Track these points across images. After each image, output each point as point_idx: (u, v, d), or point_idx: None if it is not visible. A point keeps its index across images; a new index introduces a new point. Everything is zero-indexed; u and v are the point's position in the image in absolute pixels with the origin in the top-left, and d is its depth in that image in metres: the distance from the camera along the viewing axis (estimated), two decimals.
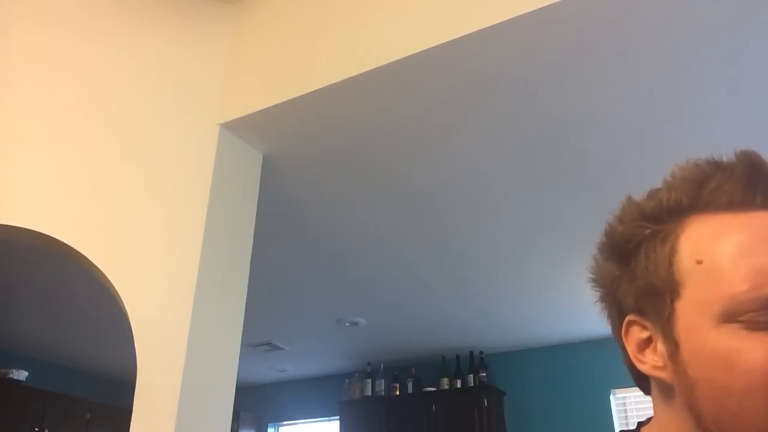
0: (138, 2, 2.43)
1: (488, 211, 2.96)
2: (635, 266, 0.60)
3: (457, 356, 5.13)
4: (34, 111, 2.22)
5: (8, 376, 4.69)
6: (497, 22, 1.82)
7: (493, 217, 3.01)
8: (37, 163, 2.15)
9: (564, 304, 4.17)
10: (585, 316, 4.39)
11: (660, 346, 0.57)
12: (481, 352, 5.10)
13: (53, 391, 4.99)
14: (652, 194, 0.61)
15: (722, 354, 0.52)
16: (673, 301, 0.56)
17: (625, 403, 4.68)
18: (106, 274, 2.04)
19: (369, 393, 5.34)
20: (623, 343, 0.61)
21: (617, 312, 0.62)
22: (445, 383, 5.09)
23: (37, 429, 4.73)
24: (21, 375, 4.77)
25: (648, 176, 2.77)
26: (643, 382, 0.62)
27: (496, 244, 3.29)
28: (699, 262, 0.55)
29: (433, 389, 5.10)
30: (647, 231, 0.59)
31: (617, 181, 2.68)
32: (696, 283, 0.55)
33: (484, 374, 4.96)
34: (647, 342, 0.59)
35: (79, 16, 2.38)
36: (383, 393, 5.29)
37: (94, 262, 2.05)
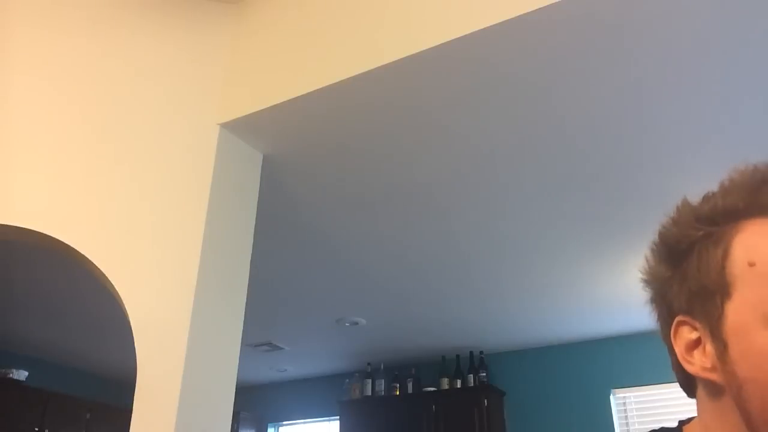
0: (138, 3, 2.43)
1: (489, 211, 2.96)
2: (687, 267, 0.60)
3: (457, 356, 5.13)
4: (34, 111, 2.22)
5: (8, 376, 4.69)
6: (497, 21, 1.82)
7: (493, 217, 3.01)
8: (37, 163, 2.15)
9: (564, 304, 4.17)
10: (585, 316, 4.39)
11: (709, 347, 0.58)
12: (481, 352, 5.10)
13: (53, 391, 4.99)
14: (708, 197, 0.61)
15: None
16: (723, 302, 0.57)
17: (625, 403, 4.67)
18: (106, 274, 2.04)
19: (369, 393, 5.34)
20: (671, 344, 0.61)
21: (667, 313, 0.62)
22: (445, 383, 5.09)
23: (37, 429, 4.73)
24: (21, 375, 4.77)
25: (650, 176, 2.77)
26: (688, 384, 0.62)
27: (497, 243, 3.29)
28: (751, 264, 0.56)
29: (433, 389, 5.10)
30: (701, 233, 0.60)
31: (619, 181, 2.68)
32: (747, 285, 0.55)
33: (484, 374, 4.96)
34: (696, 343, 0.59)
35: (78, 17, 2.38)
36: (383, 393, 5.28)
37: (94, 262, 2.05)
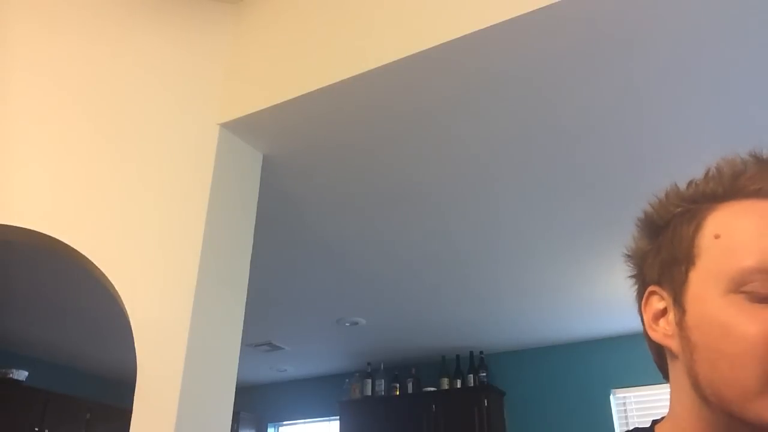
0: (138, 3, 2.43)
1: (488, 211, 2.96)
2: (662, 240, 0.64)
3: (457, 356, 5.13)
4: (34, 111, 2.22)
5: (8, 376, 4.69)
6: (497, 22, 1.82)
7: (493, 216, 3.02)
8: (37, 163, 2.15)
9: (564, 304, 4.17)
10: (585, 316, 4.39)
11: (671, 315, 0.61)
12: (481, 352, 5.11)
13: (53, 391, 4.99)
14: (692, 182, 0.65)
15: (722, 320, 0.56)
16: (687, 271, 0.60)
17: (625, 403, 4.67)
18: (106, 274, 2.04)
19: (369, 393, 5.34)
20: (642, 315, 0.64)
21: (642, 285, 0.66)
22: (445, 383, 5.09)
23: (37, 429, 4.73)
24: (21, 375, 4.77)
25: (649, 176, 2.77)
26: (662, 363, 0.65)
27: (497, 243, 3.29)
28: (717, 237, 0.59)
29: (433, 389, 5.10)
30: (679, 209, 0.63)
31: (618, 181, 2.68)
32: (711, 256, 0.59)
33: (484, 374, 4.96)
34: (663, 312, 0.62)
35: (78, 16, 2.38)
36: (383, 393, 5.29)
37: (94, 262, 2.05)
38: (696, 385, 0.57)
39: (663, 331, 0.61)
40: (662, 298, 0.62)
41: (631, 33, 1.86)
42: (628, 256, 0.68)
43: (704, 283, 0.58)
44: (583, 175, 2.64)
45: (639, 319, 0.66)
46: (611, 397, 4.69)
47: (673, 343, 0.60)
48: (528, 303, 4.17)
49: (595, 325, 4.58)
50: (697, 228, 0.61)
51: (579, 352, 4.90)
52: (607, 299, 4.06)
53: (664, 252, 0.63)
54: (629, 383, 4.61)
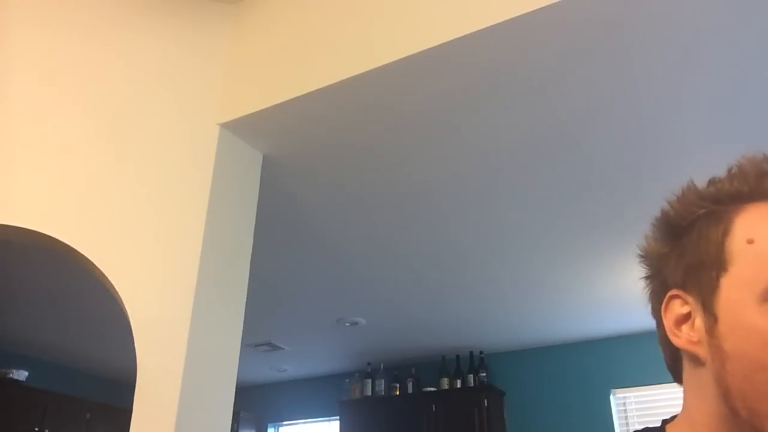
0: (138, 3, 2.43)
1: (489, 211, 2.96)
2: (687, 242, 0.61)
3: (457, 356, 5.13)
4: (34, 111, 2.22)
5: (8, 376, 4.69)
6: (497, 22, 1.82)
7: (493, 216, 3.01)
8: (37, 163, 2.15)
9: (564, 304, 4.17)
10: (585, 316, 4.39)
11: (698, 321, 0.58)
12: (481, 352, 5.11)
13: (53, 391, 4.99)
14: (714, 181, 0.62)
15: (760, 329, 0.53)
16: (719, 276, 0.57)
17: (625, 403, 4.67)
18: (106, 274, 2.04)
19: (369, 393, 5.34)
20: (661, 318, 0.62)
21: (660, 288, 0.63)
22: (445, 383, 5.09)
23: (37, 429, 4.73)
24: (21, 375, 4.77)
25: (650, 176, 2.77)
26: (675, 367, 0.63)
27: (497, 243, 3.29)
28: (750, 242, 0.57)
29: (433, 389, 5.10)
30: (703, 210, 0.61)
31: (619, 181, 2.68)
32: (744, 262, 0.56)
33: (484, 374, 4.96)
34: (686, 317, 0.60)
35: (78, 16, 2.38)
36: (383, 393, 5.29)
37: (94, 262, 2.05)
38: (726, 396, 0.55)
39: (687, 337, 0.59)
40: (686, 303, 0.60)
41: (632, 32, 1.86)
42: (643, 256, 0.66)
43: (738, 290, 0.56)
44: (584, 174, 2.64)
45: (653, 320, 0.64)
46: (611, 397, 4.69)
47: (700, 350, 0.58)
48: (528, 303, 4.17)
49: (595, 325, 4.58)
50: (726, 231, 0.58)
51: (579, 352, 4.90)
52: (607, 299, 4.06)
53: (689, 255, 0.60)
54: (629, 383, 4.61)
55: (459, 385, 5.02)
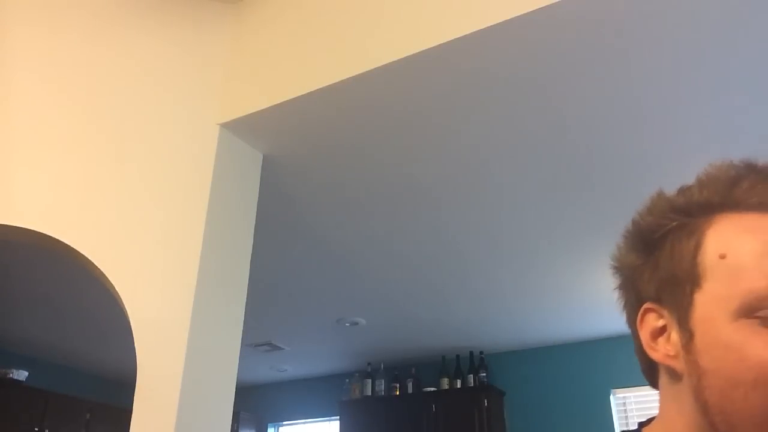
0: (138, 3, 2.43)
1: (489, 211, 2.96)
2: (659, 256, 0.61)
3: (457, 356, 5.13)
4: (34, 111, 2.22)
5: (8, 376, 4.69)
6: (497, 22, 1.82)
7: (493, 217, 3.01)
8: (37, 163, 2.15)
9: (564, 304, 4.17)
10: (585, 316, 4.39)
11: (674, 335, 0.58)
12: (481, 352, 5.10)
13: (53, 391, 4.99)
14: (684, 190, 0.62)
15: (735, 346, 0.53)
16: (692, 292, 0.57)
17: (625, 403, 4.68)
18: (106, 274, 2.04)
19: (369, 393, 5.34)
20: (637, 331, 0.62)
21: (635, 300, 0.63)
22: (445, 383, 5.09)
23: (37, 429, 4.73)
24: (21, 375, 4.77)
25: (649, 177, 2.77)
26: (651, 374, 0.64)
27: (497, 244, 3.29)
28: (722, 257, 0.56)
29: (433, 389, 5.10)
30: (675, 223, 0.60)
31: (618, 182, 2.68)
32: (717, 277, 0.56)
33: (484, 374, 4.96)
34: (661, 330, 0.60)
35: (78, 16, 2.38)
36: (383, 393, 5.29)
37: (94, 262, 2.05)
38: (704, 410, 0.55)
39: (664, 351, 0.59)
40: (661, 316, 0.60)
41: (631, 33, 1.86)
42: (616, 267, 0.66)
43: (712, 306, 0.55)
44: (584, 174, 2.64)
45: (629, 329, 0.64)
46: (611, 397, 4.68)
47: (676, 365, 0.58)
48: (528, 303, 4.17)
49: (595, 325, 4.58)
50: (698, 245, 0.58)
51: (579, 352, 4.90)
52: (608, 299, 4.06)
53: (662, 270, 0.60)
54: (629, 383, 4.61)
55: (459, 385, 5.02)
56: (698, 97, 2.15)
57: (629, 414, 4.63)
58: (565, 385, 4.88)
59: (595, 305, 4.19)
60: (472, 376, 4.98)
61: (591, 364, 4.82)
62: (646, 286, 0.61)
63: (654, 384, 0.64)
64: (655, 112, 2.23)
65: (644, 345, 0.60)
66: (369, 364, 5.44)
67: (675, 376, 0.59)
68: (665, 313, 0.59)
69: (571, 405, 4.78)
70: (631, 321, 0.63)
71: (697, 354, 0.55)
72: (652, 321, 0.60)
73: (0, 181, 2.11)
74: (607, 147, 2.44)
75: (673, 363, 0.58)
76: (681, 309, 0.58)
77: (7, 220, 2.06)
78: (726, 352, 0.54)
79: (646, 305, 0.61)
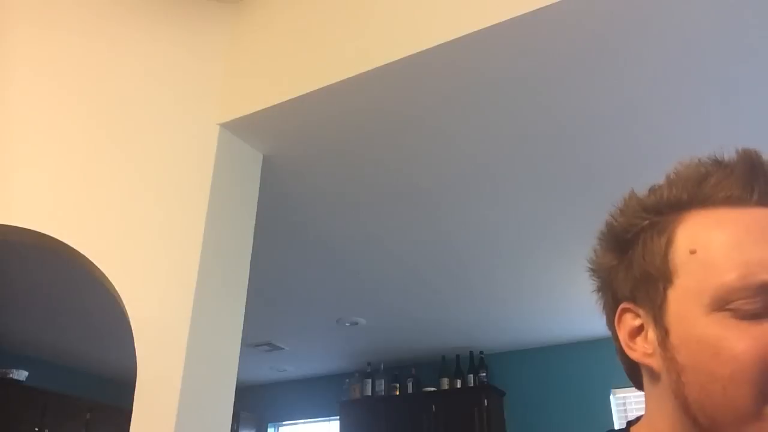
0: (138, 3, 2.43)
1: (488, 211, 2.96)
2: (632, 255, 0.61)
3: (457, 356, 5.13)
4: (34, 111, 2.22)
5: (8, 376, 4.69)
6: (497, 22, 1.82)
7: (493, 217, 3.02)
8: (37, 163, 2.15)
9: (564, 304, 4.17)
10: (584, 316, 4.39)
11: (651, 333, 0.59)
12: (481, 352, 5.10)
13: (53, 391, 4.99)
14: (654, 189, 0.62)
15: (710, 341, 0.53)
16: (665, 289, 0.58)
17: (625, 403, 4.68)
18: (106, 274, 2.04)
19: (369, 393, 5.34)
20: (616, 332, 0.62)
21: (612, 301, 0.64)
22: (445, 383, 5.09)
23: (37, 429, 4.73)
24: (21, 375, 4.77)
25: (648, 177, 2.74)
26: (635, 374, 0.64)
27: (496, 244, 3.29)
28: (692, 252, 0.57)
29: (433, 389, 5.10)
30: (646, 222, 0.61)
31: (619, 181, 2.68)
32: (688, 272, 0.56)
33: (484, 374, 4.96)
34: (639, 330, 0.60)
35: (78, 16, 2.38)
36: (383, 393, 5.28)
37: (94, 262, 2.05)
38: (685, 407, 0.55)
39: (642, 350, 0.59)
40: (637, 316, 0.60)
41: (630, 32, 1.86)
42: (593, 269, 0.66)
43: (685, 302, 0.56)
44: (583, 174, 2.64)
45: (609, 331, 0.64)
46: (611, 397, 4.69)
47: (654, 363, 0.58)
48: (528, 303, 4.17)
49: (595, 325, 4.58)
50: (669, 242, 0.58)
51: (579, 352, 4.90)
52: None
53: (636, 269, 0.60)
54: (629, 383, 4.54)
55: (459, 385, 5.02)
56: (697, 96, 2.15)
57: (629, 414, 4.63)
58: (565, 385, 4.88)
59: (594, 305, 4.16)
60: (472, 376, 4.98)
61: (591, 364, 4.82)
62: (622, 286, 0.62)
63: (637, 384, 0.64)
64: (653, 113, 2.23)
65: (623, 345, 0.61)
66: (369, 364, 5.44)
67: (654, 375, 0.59)
68: (641, 312, 0.60)
69: (571, 405, 4.78)
70: (610, 322, 0.64)
71: (674, 350, 0.56)
72: (629, 321, 0.61)
73: (0, 181, 2.11)
74: (606, 147, 2.44)
75: (651, 362, 0.59)
76: (655, 307, 0.58)
77: (7, 220, 2.06)
78: (701, 347, 0.54)
79: (623, 305, 0.61)
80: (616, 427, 4.55)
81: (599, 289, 0.66)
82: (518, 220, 3.05)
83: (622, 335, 0.61)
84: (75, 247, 2.05)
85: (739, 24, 1.83)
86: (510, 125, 2.31)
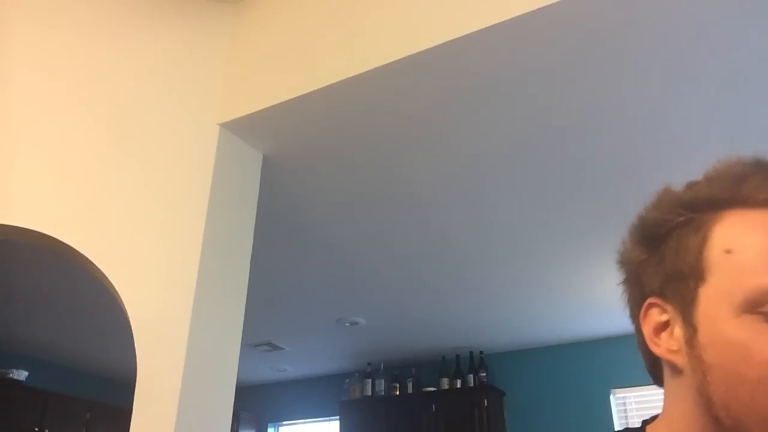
0: (138, 2, 2.43)
1: (487, 211, 2.96)
2: (665, 251, 0.61)
3: (457, 356, 5.13)
4: (34, 111, 2.22)
5: (8, 376, 4.69)
6: (497, 22, 1.82)
7: (492, 217, 3.02)
8: (37, 162, 2.15)
9: (564, 303, 4.17)
10: (584, 316, 4.39)
11: (678, 330, 0.58)
12: (481, 352, 5.10)
13: (53, 391, 4.99)
14: (691, 185, 0.62)
15: (740, 342, 0.53)
16: (697, 287, 0.57)
17: (625, 403, 4.68)
18: (106, 274, 2.04)
19: (369, 393, 5.34)
20: (640, 326, 0.62)
21: (639, 294, 0.63)
22: (445, 383, 5.09)
23: (37, 429, 4.73)
24: (21, 375, 4.77)
25: (649, 175, 2.77)
26: (655, 369, 0.63)
27: (496, 243, 3.29)
28: (728, 252, 0.56)
29: (433, 389, 5.10)
30: (681, 218, 0.60)
31: (615, 182, 2.68)
32: (722, 272, 0.56)
33: (484, 374, 4.96)
34: (665, 325, 0.60)
35: (79, 15, 2.38)
36: (383, 393, 5.28)
37: (94, 262, 2.05)
38: (709, 406, 0.55)
39: (667, 346, 0.59)
40: (664, 311, 0.60)
41: (629, 34, 1.86)
42: (621, 262, 0.65)
43: (716, 302, 0.55)
44: (581, 174, 2.64)
45: (632, 324, 0.64)
46: (611, 397, 4.69)
47: (678, 359, 0.58)
48: (528, 303, 4.17)
49: (595, 325, 4.58)
50: (704, 240, 0.58)
51: (579, 352, 4.90)
52: (607, 299, 4.06)
53: (667, 264, 0.60)
54: (629, 383, 4.61)
55: (459, 385, 5.02)
56: (696, 96, 2.15)
57: (629, 414, 4.63)
58: (565, 385, 4.88)
59: (594, 305, 4.19)
60: (472, 376, 4.98)
61: (591, 364, 4.82)
62: (651, 281, 0.61)
63: (657, 380, 0.64)
64: (651, 112, 2.23)
65: (647, 339, 0.60)
66: (369, 364, 5.44)
67: (677, 371, 0.59)
68: (669, 308, 0.59)
69: (571, 405, 4.78)
70: (634, 315, 0.63)
71: (701, 349, 0.55)
72: (655, 316, 0.60)
73: (0, 181, 2.11)
74: (604, 147, 2.44)
75: (675, 358, 0.58)
76: (685, 304, 0.58)
77: (7, 220, 2.06)
78: (730, 348, 0.54)
79: (650, 300, 0.61)
80: (618, 427, 4.56)
81: (625, 282, 0.65)
82: (518, 220, 3.05)
83: (647, 330, 0.61)
84: (75, 247, 2.05)
85: (739, 24, 1.83)
86: (508, 126, 2.31)
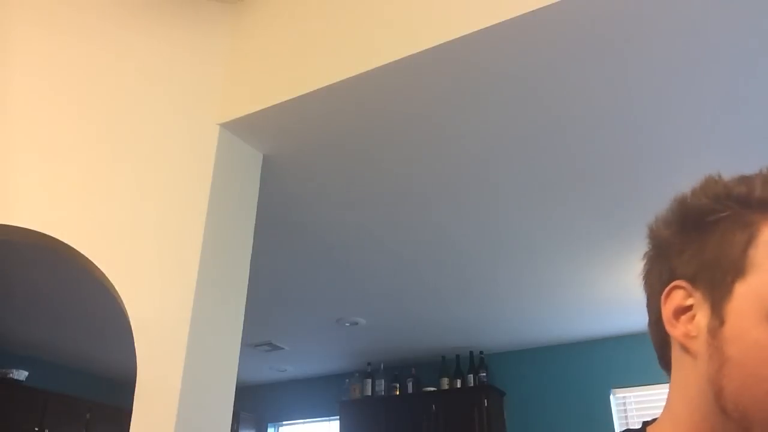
0: (138, 3, 2.43)
1: (488, 211, 2.96)
2: (708, 240, 0.60)
3: (457, 356, 5.13)
4: (34, 111, 2.22)
5: (8, 376, 4.69)
6: (497, 22, 1.82)
7: (493, 216, 3.02)
8: (37, 163, 2.15)
9: (564, 304, 4.17)
10: (584, 316, 4.39)
11: (701, 318, 0.59)
12: (481, 352, 5.11)
13: (53, 391, 4.99)
14: (744, 179, 0.61)
15: (763, 346, 0.54)
16: (734, 282, 0.57)
17: (625, 403, 4.68)
18: (106, 274, 2.04)
19: (369, 393, 5.34)
20: (658, 303, 0.62)
21: (665, 273, 0.63)
22: (445, 383, 5.09)
23: (37, 429, 4.73)
24: (21, 375, 4.77)
25: (648, 175, 2.77)
26: (664, 349, 0.64)
27: (497, 243, 3.29)
28: None
29: (433, 389, 5.10)
30: (730, 212, 0.60)
31: (618, 181, 2.68)
32: (762, 274, 0.56)
33: (484, 374, 4.96)
34: (686, 309, 0.60)
35: (78, 16, 2.38)
36: (383, 393, 5.29)
37: (94, 262, 2.05)
38: (718, 395, 0.56)
39: (684, 330, 0.59)
40: (690, 296, 0.60)
41: (630, 32, 1.86)
42: (652, 237, 0.65)
43: (750, 301, 0.56)
44: (582, 174, 2.64)
45: (646, 299, 0.64)
46: (611, 397, 4.69)
47: (694, 345, 0.58)
48: (528, 303, 4.17)
49: (595, 325, 4.58)
50: (751, 239, 0.58)
51: (579, 352, 4.90)
52: (607, 299, 4.06)
53: (708, 253, 0.60)
54: (629, 383, 4.61)
55: (459, 385, 5.02)
56: (694, 96, 2.15)
57: (629, 414, 4.63)
58: (565, 385, 4.88)
59: (594, 305, 4.19)
60: (472, 376, 4.98)
61: (591, 364, 4.82)
62: (684, 265, 0.61)
63: (663, 359, 0.64)
64: (651, 111, 2.23)
65: (664, 319, 0.61)
66: (369, 364, 5.44)
67: (688, 355, 0.59)
68: (697, 294, 0.60)
69: (571, 405, 4.78)
70: (653, 291, 0.64)
71: (724, 341, 0.56)
72: (678, 298, 0.60)
73: (0, 181, 2.11)
74: (605, 147, 2.44)
75: (690, 343, 0.59)
76: (717, 295, 0.58)
77: (7, 220, 2.06)
78: (754, 348, 0.54)
79: (677, 282, 0.61)
80: (618, 428, 4.56)
81: (651, 257, 0.65)
82: (518, 220, 3.05)
83: (666, 310, 0.61)
84: (75, 247, 2.05)
85: (739, 24, 1.83)
86: (509, 124, 2.31)
